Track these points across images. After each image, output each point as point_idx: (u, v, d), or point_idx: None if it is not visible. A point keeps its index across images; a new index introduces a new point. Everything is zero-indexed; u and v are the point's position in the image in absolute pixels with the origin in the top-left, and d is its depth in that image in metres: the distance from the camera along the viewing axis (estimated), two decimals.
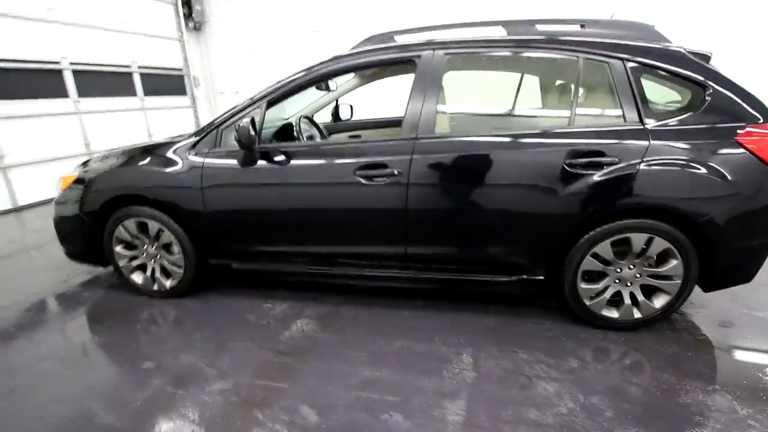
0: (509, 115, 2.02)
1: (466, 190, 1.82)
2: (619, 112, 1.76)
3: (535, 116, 2.00)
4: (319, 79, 1.99)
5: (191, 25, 7.30)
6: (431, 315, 2.15)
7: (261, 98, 2.02)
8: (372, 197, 1.90)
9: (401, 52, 1.92)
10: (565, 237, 1.83)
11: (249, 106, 2.04)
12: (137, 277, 2.40)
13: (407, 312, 2.18)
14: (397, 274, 2.06)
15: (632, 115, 1.75)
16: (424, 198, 1.86)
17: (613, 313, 1.96)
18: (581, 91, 1.80)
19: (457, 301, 2.26)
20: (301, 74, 1.99)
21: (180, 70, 7.03)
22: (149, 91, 6.30)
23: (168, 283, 2.36)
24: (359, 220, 1.97)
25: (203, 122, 7.46)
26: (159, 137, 6.21)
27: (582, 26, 1.88)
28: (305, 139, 2.38)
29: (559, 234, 1.83)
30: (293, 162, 1.97)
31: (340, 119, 3.55)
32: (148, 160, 2.18)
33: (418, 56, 1.89)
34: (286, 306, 2.28)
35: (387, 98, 4.33)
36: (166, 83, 6.72)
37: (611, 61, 1.76)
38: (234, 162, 2.02)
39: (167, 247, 2.28)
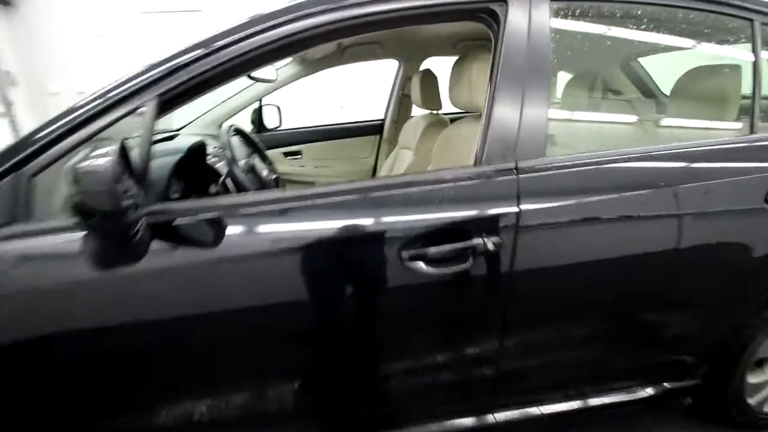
0: (655, 119, 1.19)
1: (622, 255, 0.93)
2: None
3: (693, 120, 1.21)
4: (284, 48, 0.86)
5: None
6: None
7: (139, 90, 0.81)
8: (439, 301, 0.89)
9: None
10: (753, 313, 1.10)
11: (106, 110, 0.81)
12: None
13: None
14: (473, 424, 1.07)
15: None
16: (543, 282, 0.92)
17: None
18: (759, 77, 1.07)
19: None
20: (243, 33, 0.84)
21: None
22: None
23: None
24: (410, 348, 0.94)
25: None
26: None
27: None
28: (245, 177, 1.18)
29: (747, 309, 1.09)
30: (243, 237, 0.83)
31: (265, 128, 2.36)
32: None
33: (503, 4, 0.92)
34: None
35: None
36: None
37: None
38: (73, 249, 0.77)
39: None
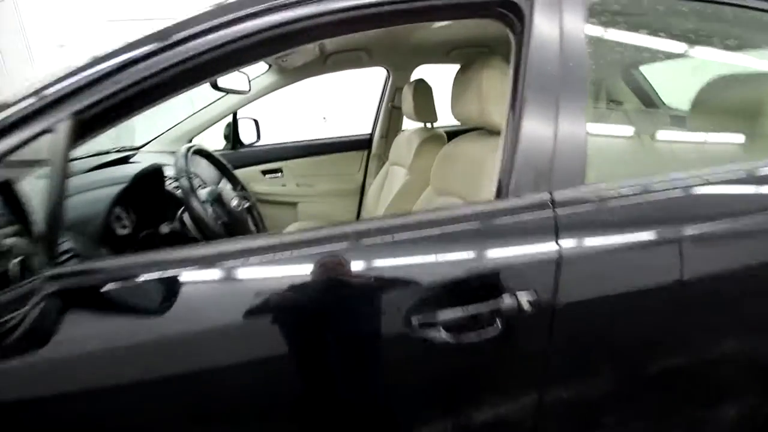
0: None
1: (696, 302, 0.74)
2: None
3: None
4: (265, 45, 0.65)
5: None
6: None
7: (47, 107, 0.59)
8: (460, 377, 0.70)
9: None
10: None
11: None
12: None
13: None
14: None
15: None
16: (593, 348, 0.73)
17: None
18: None
19: None
20: (208, 25, 0.62)
21: None
22: None
23: None
24: None
25: None
26: None
27: None
28: (206, 211, 0.94)
29: None
30: (201, 306, 0.61)
31: (242, 144, 2.14)
32: None
33: None
34: None
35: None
36: None
37: None
38: None
39: None
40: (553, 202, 0.70)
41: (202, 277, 0.62)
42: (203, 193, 0.97)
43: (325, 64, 1.88)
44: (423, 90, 1.65)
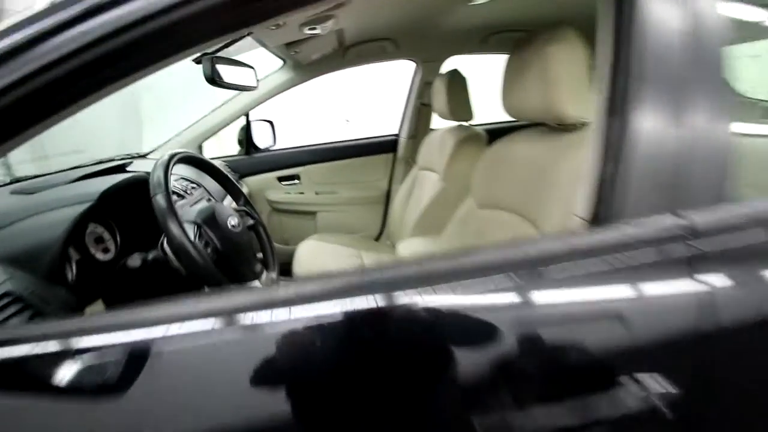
0: None
1: None
2: None
3: None
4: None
5: None
6: None
7: None
8: None
9: None
10: None
11: None
12: None
13: None
14: None
15: None
16: None
17: None
18: None
19: None
20: None
21: None
22: None
23: None
24: None
25: None
26: None
27: None
28: (187, 237, 0.72)
29: None
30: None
31: (257, 148, 1.95)
32: None
33: None
34: None
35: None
36: None
37: None
38: None
39: None
40: (692, 229, 0.45)
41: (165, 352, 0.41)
42: (192, 211, 0.77)
43: (345, 56, 1.67)
44: (458, 83, 1.42)
